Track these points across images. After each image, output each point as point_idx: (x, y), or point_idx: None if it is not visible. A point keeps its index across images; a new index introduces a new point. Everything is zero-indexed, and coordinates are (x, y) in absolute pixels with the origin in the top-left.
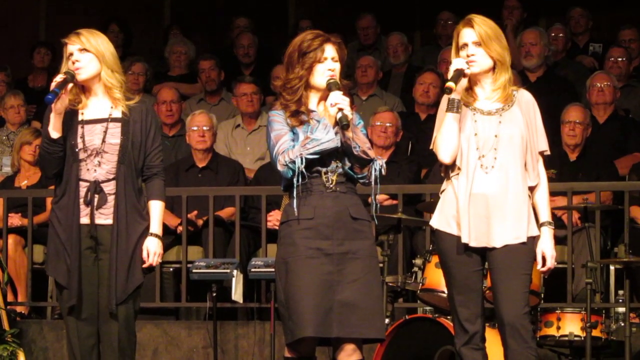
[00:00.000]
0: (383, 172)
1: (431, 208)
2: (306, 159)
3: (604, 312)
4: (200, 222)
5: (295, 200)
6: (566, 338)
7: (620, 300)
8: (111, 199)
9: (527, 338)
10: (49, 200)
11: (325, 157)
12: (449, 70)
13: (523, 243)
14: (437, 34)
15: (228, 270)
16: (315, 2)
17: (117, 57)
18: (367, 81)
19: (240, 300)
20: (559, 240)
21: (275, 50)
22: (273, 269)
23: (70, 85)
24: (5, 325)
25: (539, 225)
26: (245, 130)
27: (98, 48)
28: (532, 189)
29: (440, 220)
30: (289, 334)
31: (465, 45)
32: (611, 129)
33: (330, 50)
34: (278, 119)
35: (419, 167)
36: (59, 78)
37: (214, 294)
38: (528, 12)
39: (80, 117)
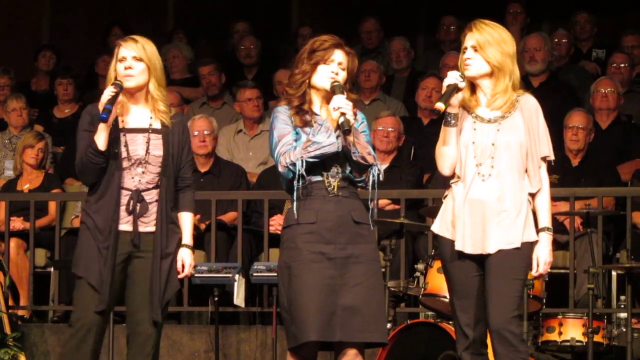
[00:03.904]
0: (381, 178)
1: (433, 213)
2: (307, 162)
3: (605, 317)
4: (202, 226)
5: (295, 203)
6: (568, 343)
7: (622, 306)
8: (151, 207)
9: (514, 342)
10: (51, 204)
11: (326, 161)
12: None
13: (517, 248)
14: (440, 38)
15: (230, 275)
16: (319, 6)
17: (164, 72)
18: (370, 86)
19: (242, 305)
20: (561, 246)
21: (278, 54)
22: (275, 274)
23: (120, 97)
24: (7, 329)
25: (538, 230)
26: (247, 135)
27: (151, 59)
28: (534, 195)
29: (441, 225)
30: (292, 339)
31: (466, 49)
32: (614, 134)
33: (339, 56)
34: (282, 117)
35: (421, 172)
36: (109, 93)
37: (216, 298)
38: (531, 18)
39: (120, 125)
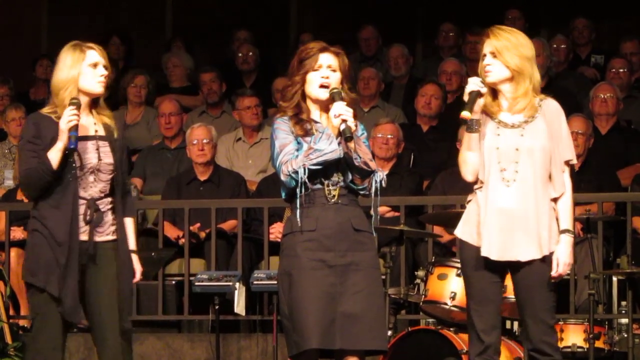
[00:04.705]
0: (383, 184)
1: (433, 219)
2: (309, 169)
3: (606, 323)
4: (202, 234)
5: (298, 211)
6: (569, 349)
7: (623, 312)
8: (104, 216)
9: (551, 352)
10: None
11: (328, 169)
12: (464, 92)
13: (545, 258)
14: (439, 45)
15: (230, 283)
16: (317, 13)
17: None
18: (369, 93)
19: (243, 313)
20: None
21: (277, 62)
22: (275, 281)
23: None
24: (8, 339)
25: (559, 233)
26: (246, 144)
27: (110, 69)
28: (557, 199)
29: (464, 230)
30: (293, 346)
31: (485, 55)
32: (613, 139)
33: (326, 59)
34: (283, 127)
35: (420, 179)
36: (72, 117)
37: (217, 307)
38: (529, 23)
39: None
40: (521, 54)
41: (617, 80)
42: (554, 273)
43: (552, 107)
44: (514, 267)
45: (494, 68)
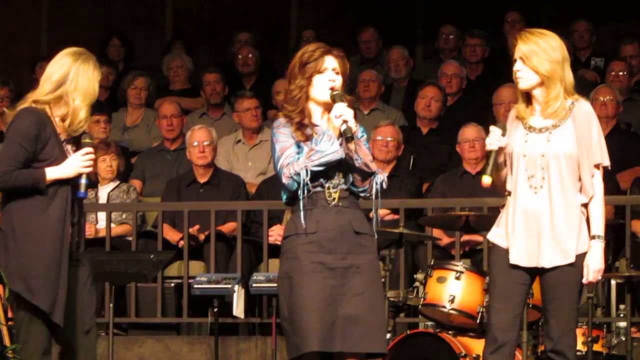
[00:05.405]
0: (384, 185)
1: (433, 222)
2: (311, 171)
3: (605, 326)
4: (201, 236)
5: (301, 213)
6: None
7: (622, 315)
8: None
9: (569, 355)
10: None
11: (329, 171)
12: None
13: (572, 263)
14: (439, 47)
15: (229, 286)
16: (317, 16)
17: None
18: (369, 95)
19: (242, 316)
20: None
21: (277, 64)
22: (275, 284)
23: None
24: (7, 341)
25: (590, 238)
26: (246, 146)
27: None
28: (587, 203)
29: (496, 232)
30: (293, 349)
31: (515, 60)
32: (613, 142)
33: (331, 62)
34: (283, 131)
35: (420, 181)
36: (87, 163)
37: (216, 309)
38: (529, 26)
39: (61, 137)
40: (551, 58)
41: (617, 83)
42: (584, 280)
43: (582, 111)
44: (541, 270)
45: (523, 74)
